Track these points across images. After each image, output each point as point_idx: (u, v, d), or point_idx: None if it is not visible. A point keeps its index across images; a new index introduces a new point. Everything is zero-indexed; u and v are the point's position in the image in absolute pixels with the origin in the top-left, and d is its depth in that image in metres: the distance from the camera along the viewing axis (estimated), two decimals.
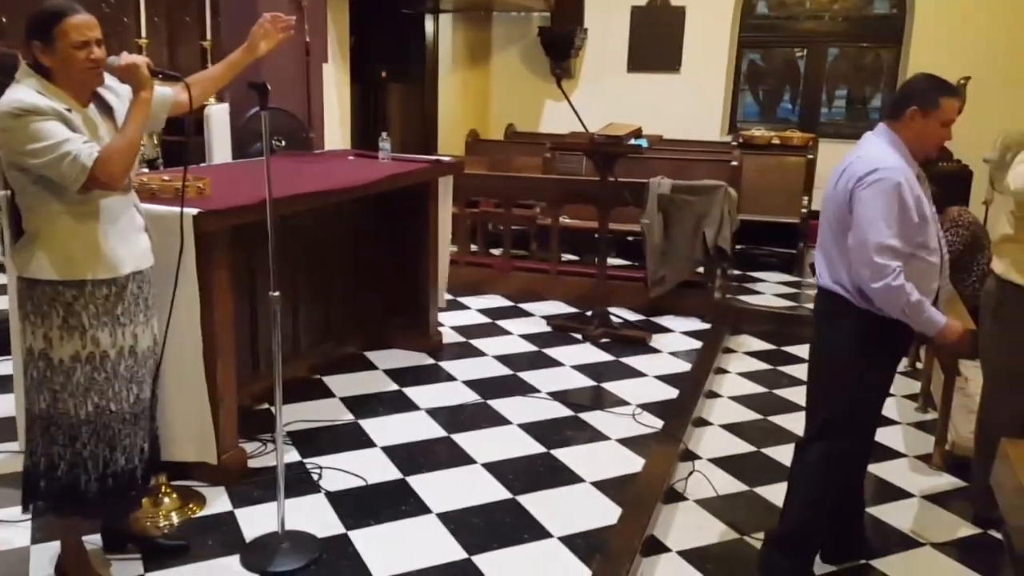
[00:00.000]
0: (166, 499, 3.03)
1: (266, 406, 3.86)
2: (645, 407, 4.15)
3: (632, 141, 5.07)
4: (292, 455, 3.47)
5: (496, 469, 3.46)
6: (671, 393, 4.34)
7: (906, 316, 2.52)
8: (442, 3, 8.25)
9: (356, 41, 7.12)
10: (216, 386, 3.12)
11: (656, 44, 8.53)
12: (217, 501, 3.12)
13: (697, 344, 5.14)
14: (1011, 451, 2.36)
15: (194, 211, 2.87)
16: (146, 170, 4.27)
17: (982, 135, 6.46)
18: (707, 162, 6.77)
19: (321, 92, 6.47)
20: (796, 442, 2.86)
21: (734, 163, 6.47)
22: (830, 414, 2.72)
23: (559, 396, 4.26)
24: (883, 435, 4.02)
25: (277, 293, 2.65)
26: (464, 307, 5.78)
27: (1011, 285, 3.09)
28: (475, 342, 5.05)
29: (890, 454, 3.85)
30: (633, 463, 3.54)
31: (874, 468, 3.68)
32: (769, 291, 6.59)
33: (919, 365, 4.80)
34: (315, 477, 3.33)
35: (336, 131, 6.83)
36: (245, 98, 5.77)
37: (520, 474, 3.43)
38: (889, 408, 4.37)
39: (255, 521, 2.98)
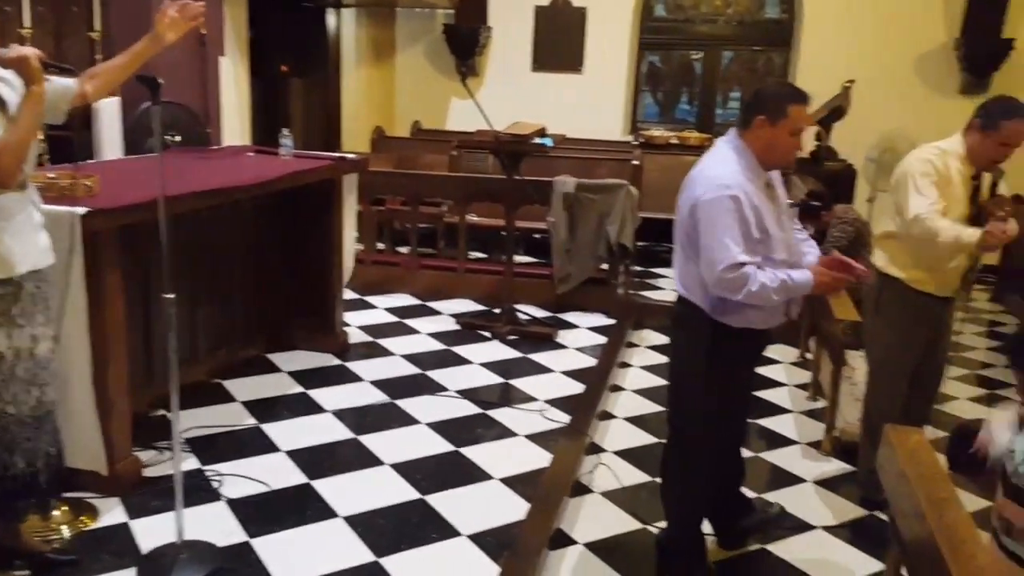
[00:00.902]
0: (56, 512, 2.88)
1: (163, 412, 3.72)
2: (552, 403, 4.21)
3: (537, 140, 5.12)
4: (191, 462, 3.36)
5: (404, 469, 3.44)
6: (578, 388, 4.41)
7: (783, 299, 2.58)
8: None
9: (255, 35, 6.93)
10: (107, 392, 2.99)
11: (559, 44, 8.62)
12: (111, 513, 2.98)
13: (602, 339, 5.24)
14: (894, 437, 2.50)
15: (82, 210, 2.74)
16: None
17: (866, 135, 6.85)
18: (610, 161, 6.91)
19: (218, 86, 6.26)
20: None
21: (635, 162, 6.62)
22: (683, 415, 2.82)
23: (468, 394, 4.27)
24: (776, 424, 4.22)
25: (172, 295, 2.56)
26: (371, 306, 5.71)
27: (891, 278, 3.27)
28: (383, 342, 5.00)
29: (783, 442, 4.02)
30: (541, 458, 3.58)
31: (768, 455, 3.85)
32: (670, 286, 6.75)
33: (809, 356, 5.03)
34: (215, 484, 3.23)
35: (235, 127, 6.63)
36: (137, 92, 5.51)
37: (429, 473, 3.42)
38: (781, 397, 4.58)
39: (152, 532, 2.87)
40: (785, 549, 3.08)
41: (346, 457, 3.53)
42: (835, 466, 3.78)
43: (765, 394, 4.60)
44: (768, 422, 4.23)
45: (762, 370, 4.94)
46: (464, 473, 3.45)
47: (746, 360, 2.86)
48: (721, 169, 2.53)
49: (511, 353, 4.95)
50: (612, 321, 5.58)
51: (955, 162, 3.09)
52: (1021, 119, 2.94)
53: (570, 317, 5.67)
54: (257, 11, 6.85)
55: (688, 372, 2.76)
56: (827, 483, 3.62)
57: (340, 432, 3.77)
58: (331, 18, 8.22)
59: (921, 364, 3.33)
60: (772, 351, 5.27)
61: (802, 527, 3.24)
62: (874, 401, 3.45)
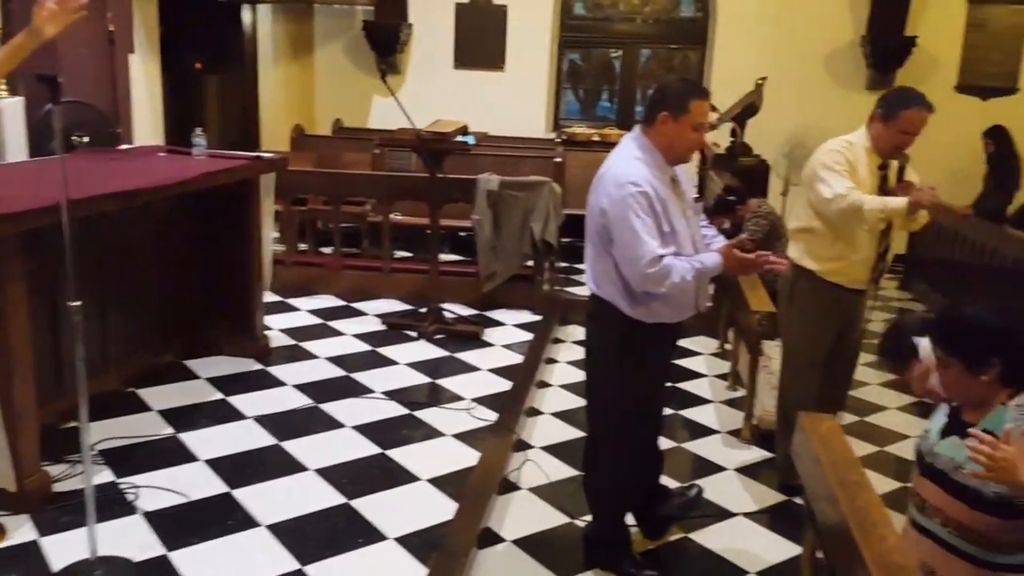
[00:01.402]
0: None
1: (74, 424, 3.56)
2: (480, 401, 4.21)
3: (459, 138, 5.11)
4: (104, 475, 3.24)
5: (329, 474, 3.39)
6: (505, 385, 4.42)
7: (700, 284, 2.68)
8: None
9: (167, 31, 6.71)
10: (13, 405, 2.85)
11: (481, 41, 8.61)
12: (20, 530, 2.85)
13: (528, 336, 5.26)
14: (808, 424, 2.58)
15: None
16: None
17: (779, 131, 7.05)
18: (533, 158, 6.94)
19: (128, 84, 6.04)
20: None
21: (558, 159, 6.68)
22: (599, 411, 2.88)
23: (394, 395, 4.24)
24: (698, 414, 4.32)
25: (77, 303, 2.45)
26: (294, 308, 5.60)
27: (804, 270, 3.38)
28: (306, 344, 4.91)
29: (705, 431, 4.12)
30: (469, 457, 3.58)
31: (690, 445, 3.94)
32: None
33: (728, 347, 5.16)
34: (130, 497, 3.11)
35: (147, 126, 6.40)
36: (41, 92, 5.30)
37: (355, 477, 3.37)
38: (702, 388, 4.69)
39: (64, 549, 2.75)
40: (707, 537, 3.16)
41: (268, 464, 3.46)
42: (755, 453, 3.89)
43: (686, 385, 4.70)
44: (690, 412, 4.32)
45: (683, 361, 5.05)
46: (391, 476, 3.41)
47: (659, 355, 2.91)
48: (628, 167, 2.58)
49: (438, 352, 4.93)
50: (538, 318, 5.61)
51: (862, 153, 3.22)
52: (918, 108, 3.08)
53: (496, 315, 5.68)
54: (169, 7, 6.63)
55: (602, 369, 2.81)
56: (747, 470, 3.72)
57: (262, 438, 3.68)
58: (246, 14, 8.02)
59: (833, 353, 3.45)
60: (693, 343, 5.39)
61: (723, 514, 3.32)
62: (788, 389, 3.56)
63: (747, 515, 3.33)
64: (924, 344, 2.13)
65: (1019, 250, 5.25)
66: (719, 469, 3.72)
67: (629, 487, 2.94)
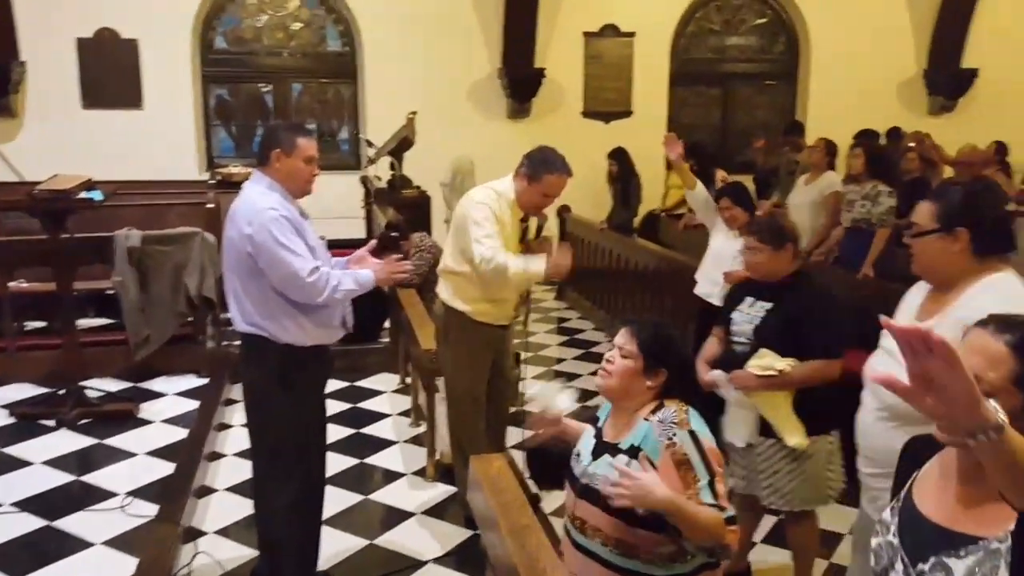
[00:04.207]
0: None
1: None
2: (137, 493, 3.73)
3: (83, 194, 4.52)
4: None
5: None
6: (168, 468, 3.97)
7: (357, 293, 2.80)
8: None
9: None
10: None
11: (112, 78, 7.83)
12: None
13: (195, 404, 4.81)
14: (478, 466, 2.61)
15: None
16: None
17: (436, 161, 7.25)
18: (182, 205, 6.39)
19: None
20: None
21: (210, 205, 6.22)
22: (266, 452, 2.88)
23: (28, 505, 3.60)
24: (384, 458, 4.25)
25: None
26: None
27: (455, 311, 3.44)
28: None
29: (391, 476, 4.05)
30: (125, 566, 3.11)
31: (377, 496, 3.85)
32: None
33: (408, 381, 5.16)
34: None
35: None
36: None
37: None
38: (386, 429, 4.63)
39: None
40: None
41: None
42: (440, 491, 3.89)
43: (370, 429, 4.61)
44: (375, 458, 4.24)
45: (367, 403, 4.96)
46: None
47: (319, 385, 2.99)
48: (261, 199, 2.71)
49: (83, 441, 4.30)
50: (204, 381, 5.17)
51: (507, 205, 3.35)
52: (559, 173, 3.26)
53: (155, 385, 5.14)
54: None
55: (265, 408, 2.83)
56: (434, 510, 3.71)
57: None
58: None
59: (489, 384, 3.56)
60: (374, 381, 5.33)
61: (415, 565, 3.26)
62: (456, 424, 3.60)
63: (436, 560, 3.30)
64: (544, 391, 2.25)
65: (647, 257, 5.92)
66: (407, 516, 3.66)
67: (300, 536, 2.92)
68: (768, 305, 2.78)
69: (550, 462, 2.26)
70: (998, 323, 1.33)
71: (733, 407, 2.85)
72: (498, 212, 3.28)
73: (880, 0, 8.94)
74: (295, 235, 2.67)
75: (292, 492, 2.84)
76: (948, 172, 6.57)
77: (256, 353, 2.78)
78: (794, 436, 2.70)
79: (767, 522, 3.35)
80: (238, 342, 5.84)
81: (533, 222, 3.45)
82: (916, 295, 2.17)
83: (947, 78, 9.07)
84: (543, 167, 3.26)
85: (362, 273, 2.82)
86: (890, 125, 7.88)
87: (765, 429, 2.77)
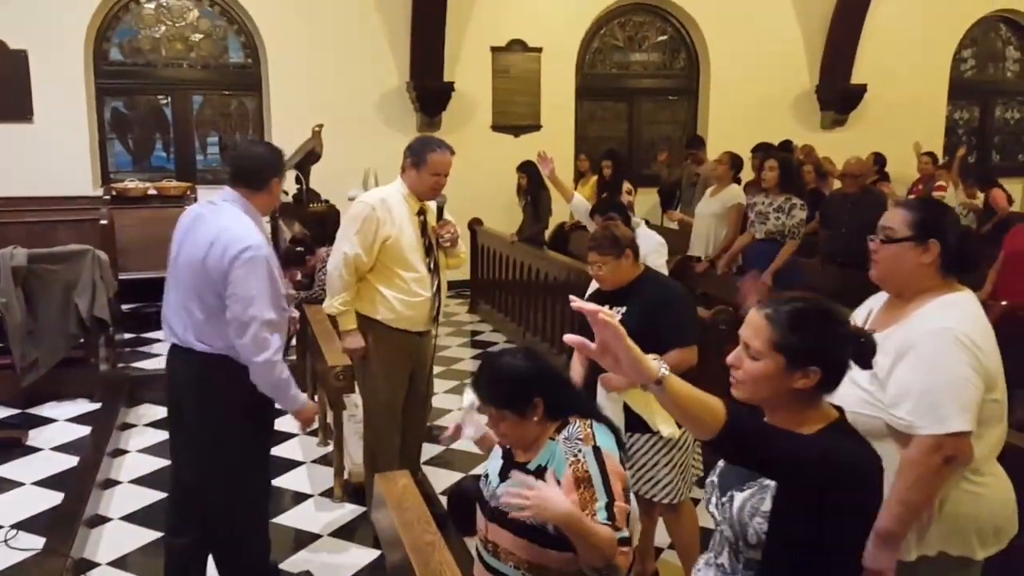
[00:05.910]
0: None
1: None
2: (22, 525, 3.52)
3: None
4: None
5: None
6: (56, 498, 3.76)
7: (275, 390, 2.65)
8: None
9: None
10: None
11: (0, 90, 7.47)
12: None
13: (87, 429, 4.58)
14: (383, 484, 2.56)
15: None
16: None
17: (346, 174, 7.16)
18: (72, 222, 6.11)
19: None
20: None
21: (103, 222, 5.97)
22: (229, 492, 2.72)
23: None
24: (290, 480, 4.14)
25: None
26: None
27: (369, 321, 3.42)
28: None
29: (299, 498, 3.94)
30: None
31: (284, 518, 3.74)
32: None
33: (316, 399, 5.04)
34: None
35: None
36: None
37: None
38: (293, 449, 4.51)
39: None
40: None
41: None
42: (348, 510, 3.81)
43: (277, 450, 4.46)
44: (282, 480, 4.11)
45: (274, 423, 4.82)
46: None
47: (273, 411, 2.87)
48: (248, 230, 2.62)
49: None
50: (98, 405, 4.93)
51: (400, 203, 3.34)
52: (442, 151, 3.35)
53: (44, 410, 4.87)
54: None
55: (229, 440, 2.68)
56: (342, 531, 3.63)
57: None
58: None
59: (406, 398, 3.53)
60: None
61: None
62: (372, 439, 3.57)
63: None
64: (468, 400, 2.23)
65: (557, 269, 5.97)
66: (315, 538, 3.57)
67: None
68: (622, 308, 2.85)
69: (472, 507, 2.22)
70: (765, 303, 1.61)
71: (606, 408, 2.89)
72: (383, 217, 3.30)
73: (775, 19, 9.31)
74: (270, 280, 2.61)
75: (255, 482, 2.82)
76: (836, 184, 6.89)
77: (214, 374, 2.65)
78: (667, 426, 2.78)
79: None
80: (137, 363, 5.72)
81: (431, 212, 3.47)
82: (876, 300, 2.12)
83: (838, 94, 9.49)
84: (425, 149, 3.34)
85: (299, 396, 2.79)
86: (786, 139, 8.20)
87: (633, 425, 2.81)
